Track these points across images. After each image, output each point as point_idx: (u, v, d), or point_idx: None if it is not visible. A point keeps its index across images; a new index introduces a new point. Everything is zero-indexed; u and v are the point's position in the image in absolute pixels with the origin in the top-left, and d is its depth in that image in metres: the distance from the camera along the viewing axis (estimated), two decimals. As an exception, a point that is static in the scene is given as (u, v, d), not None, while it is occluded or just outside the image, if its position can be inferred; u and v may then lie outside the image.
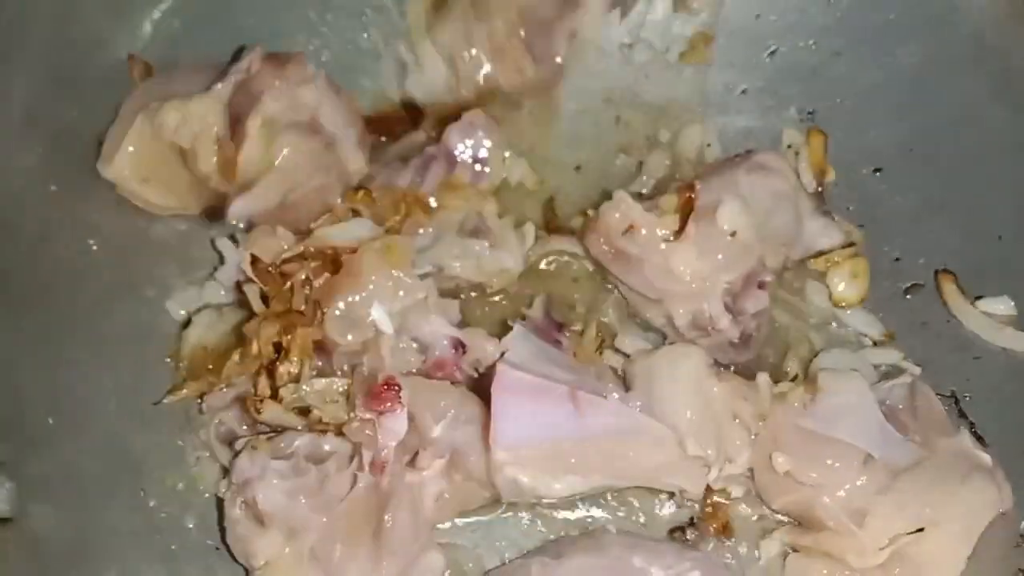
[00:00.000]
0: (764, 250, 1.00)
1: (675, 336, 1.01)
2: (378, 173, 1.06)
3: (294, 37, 1.11)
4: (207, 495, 0.95)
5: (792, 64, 1.17)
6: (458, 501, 0.93)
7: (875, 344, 1.05)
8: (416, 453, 0.90)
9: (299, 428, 0.91)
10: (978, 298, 1.06)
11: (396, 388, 0.88)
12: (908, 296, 1.07)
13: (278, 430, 0.91)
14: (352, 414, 0.89)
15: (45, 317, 0.93)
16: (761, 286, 1.00)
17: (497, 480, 0.91)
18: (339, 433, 0.90)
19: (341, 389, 0.92)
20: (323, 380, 0.92)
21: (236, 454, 0.89)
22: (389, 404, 0.88)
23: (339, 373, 0.93)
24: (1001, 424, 1.01)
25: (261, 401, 0.89)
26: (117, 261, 1.01)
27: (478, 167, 1.07)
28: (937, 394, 1.02)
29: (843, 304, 1.07)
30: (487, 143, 1.06)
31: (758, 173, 1.03)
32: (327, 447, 0.90)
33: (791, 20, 1.17)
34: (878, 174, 1.13)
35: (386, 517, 0.88)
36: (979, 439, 1.00)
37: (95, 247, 0.99)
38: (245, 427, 0.93)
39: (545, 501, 0.95)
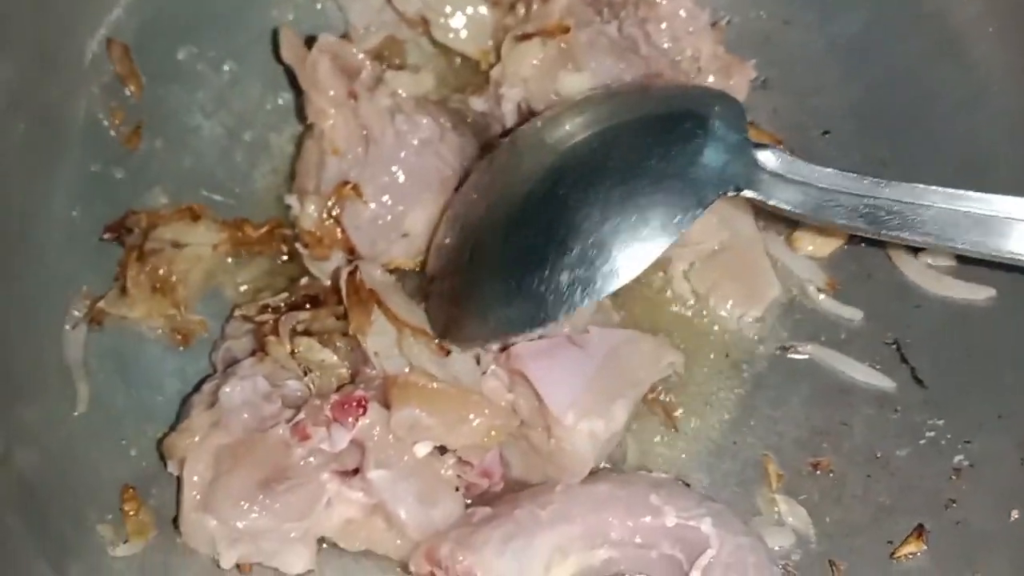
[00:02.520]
0: None
1: None
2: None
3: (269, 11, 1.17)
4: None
5: (745, 34, 1.21)
6: (368, 539, 0.96)
7: (819, 291, 1.10)
8: (356, 470, 0.93)
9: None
10: (920, 250, 1.10)
11: (361, 411, 0.91)
12: (853, 249, 1.12)
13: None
14: (323, 401, 0.93)
15: (31, 278, 0.98)
16: None
17: (576, 442, 0.94)
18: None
19: (344, 371, 0.98)
20: (335, 357, 0.97)
21: (252, 353, 0.97)
22: (344, 419, 0.91)
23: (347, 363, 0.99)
24: (939, 367, 1.06)
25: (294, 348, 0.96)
26: (98, 225, 1.06)
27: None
28: (881, 342, 1.08)
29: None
30: None
31: None
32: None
33: (743, -9, 1.23)
34: (827, 136, 1.18)
35: (284, 484, 0.90)
36: (919, 382, 1.05)
37: (77, 217, 1.06)
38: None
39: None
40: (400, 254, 1.09)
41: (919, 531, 0.97)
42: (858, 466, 1.02)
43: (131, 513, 0.94)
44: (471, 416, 0.93)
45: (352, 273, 1.00)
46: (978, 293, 1.07)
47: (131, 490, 0.96)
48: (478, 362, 0.98)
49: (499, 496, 0.98)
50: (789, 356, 1.08)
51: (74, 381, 0.98)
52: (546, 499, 0.94)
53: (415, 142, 1.08)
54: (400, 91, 1.11)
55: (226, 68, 1.17)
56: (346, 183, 1.07)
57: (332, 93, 1.07)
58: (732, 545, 0.91)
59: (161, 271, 1.06)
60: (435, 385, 0.94)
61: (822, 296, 1.10)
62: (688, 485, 1.01)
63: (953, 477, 1.00)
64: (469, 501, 0.98)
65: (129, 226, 1.07)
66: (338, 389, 0.96)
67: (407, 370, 0.95)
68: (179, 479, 0.92)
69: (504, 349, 0.97)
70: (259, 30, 1.18)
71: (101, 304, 1.03)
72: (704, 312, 1.10)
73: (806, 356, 1.08)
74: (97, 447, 0.97)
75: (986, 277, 1.07)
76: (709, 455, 1.04)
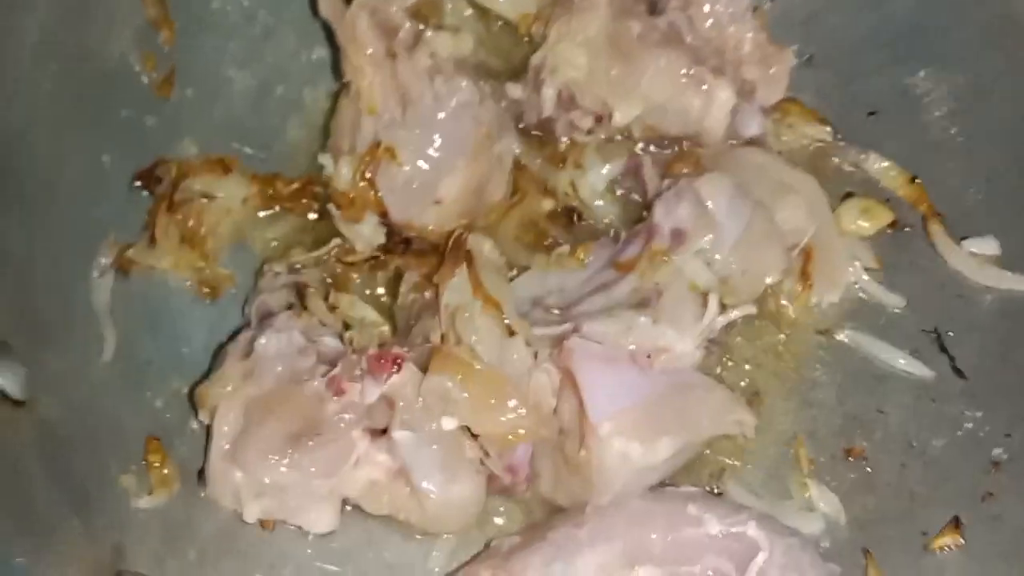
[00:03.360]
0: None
1: None
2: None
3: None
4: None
5: (792, 9, 1.18)
6: (391, 504, 0.94)
7: (867, 271, 1.07)
8: (385, 430, 0.91)
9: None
10: (963, 238, 1.08)
11: (395, 368, 0.89)
12: (896, 235, 1.09)
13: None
14: (360, 356, 0.92)
15: (60, 223, 0.96)
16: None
17: (605, 457, 0.89)
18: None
19: (384, 329, 0.98)
20: (376, 314, 0.97)
21: (289, 306, 0.96)
22: (378, 374, 0.89)
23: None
24: (979, 359, 1.03)
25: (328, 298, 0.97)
26: (130, 172, 1.04)
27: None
28: (921, 330, 1.06)
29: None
30: (690, 211, 1.00)
31: None
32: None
33: (792, -33, 1.19)
34: (872, 117, 1.15)
35: (314, 439, 0.88)
36: (958, 372, 1.03)
37: (107, 163, 1.04)
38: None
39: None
40: (431, 221, 1.07)
41: (955, 523, 0.95)
42: (892, 455, 1.00)
43: (155, 465, 0.93)
44: (501, 406, 0.91)
45: (460, 236, 1.00)
46: (1023, 284, 1.05)
47: (156, 442, 0.94)
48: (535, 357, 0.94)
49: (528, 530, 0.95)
50: (827, 339, 1.06)
51: (101, 329, 0.97)
52: (580, 520, 0.90)
53: (453, 104, 1.05)
54: (439, 52, 1.08)
55: (260, 19, 1.15)
56: (381, 144, 1.05)
57: (370, 51, 1.05)
58: (783, 546, 0.88)
59: (190, 222, 1.05)
60: (478, 365, 0.91)
61: (867, 277, 1.07)
62: (720, 494, 0.99)
63: (992, 470, 0.98)
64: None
65: (159, 175, 1.05)
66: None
67: (463, 341, 0.93)
68: (208, 429, 0.90)
69: (560, 343, 0.93)
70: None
71: (130, 253, 1.01)
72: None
73: (844, 340, 1.06)
74: (122, 397, 0.96)
75: (1033, 267, 1.05)
76: (739, 435, 1.02)
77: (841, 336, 1.06)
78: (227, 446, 0.88)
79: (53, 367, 0.90)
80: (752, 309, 1.02)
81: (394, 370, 0.89)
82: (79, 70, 1.00)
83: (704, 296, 0.97)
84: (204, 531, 0.93)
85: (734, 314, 1.00)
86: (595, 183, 1.09)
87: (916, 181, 1.11)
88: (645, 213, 1.04)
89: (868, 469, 1.00)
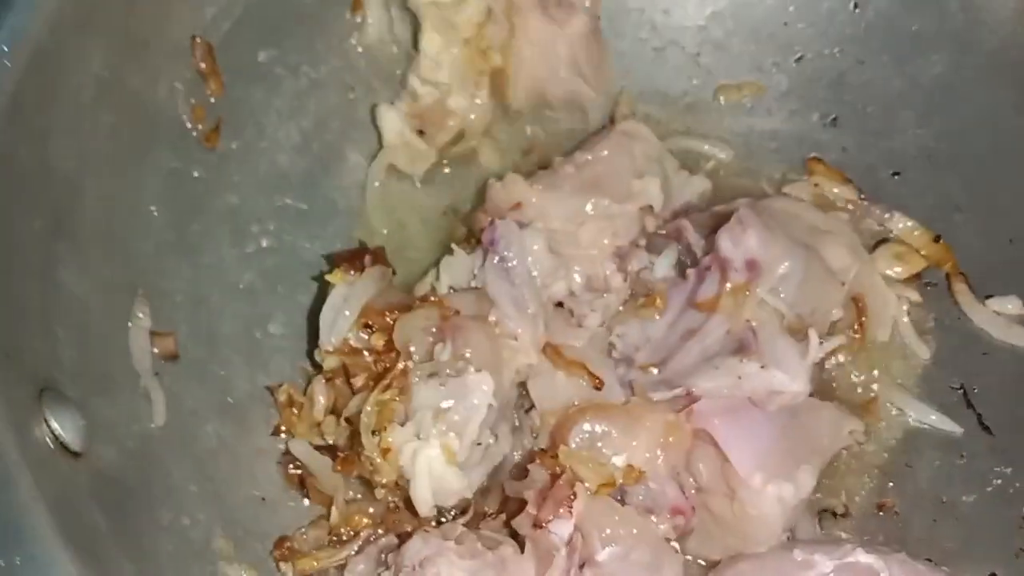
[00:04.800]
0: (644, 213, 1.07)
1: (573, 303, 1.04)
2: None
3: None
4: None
5: (818, 70, 1.23)
6: None
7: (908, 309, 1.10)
8: (583, 565, 0.88)
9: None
10: (988, 297, 1.10)
11: (572, 496, 0.88)
12: (921, 292, 1.12)
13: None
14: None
15: (110, 271, 0.97)
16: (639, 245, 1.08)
17: (763, 506, 0.89)
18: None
19: None
20: None
21: (401, 541, 0.91)
22: (561, 510, 0.87)
23: None
24: (1006, 415, 1.05)
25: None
26: (175, 223, 1.06)
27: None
28: (948, 387, 1.08)
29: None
30: (758, 238, 0.98)
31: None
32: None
33: (819, 29, 1.23)
34: (897, 177, 1.18)
35: None
36: (985, 428, 1.06)
37: (155, 212, 1.05)
38: None
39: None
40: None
41: (992, 578, 0.97)
42: (924, 510, 1.02)
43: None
44: (642, 417, 0.92)
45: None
46: (1047, 343, 1.08)
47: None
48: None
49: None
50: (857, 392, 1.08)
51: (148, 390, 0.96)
52: None
53: None
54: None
55: (304, 73, 1.18)
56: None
57: None
58: (897, 561, 0.88)
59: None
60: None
61: (907, 320, 1.09)
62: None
63: (1023, 526, 1.00)
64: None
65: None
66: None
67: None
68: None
69: (683, 408, 0.94)
70: (339, 35, 1.18)
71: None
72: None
73: (873, 394, 1.08)
74: (173, 450, 0.96)
75: (1057, 327, 1.08)
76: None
77: (870, 389, 1.08)
78: None
79: (107, 416, 0.90)
80: (843, 339, 1.04)
81: (572, 497, 0.87)
82: (131, 122, 1.02)
83: (796, 330, 0.96)
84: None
85: (828, 345, 1.00)
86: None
87: (940, 240, 1.14)
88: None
89: (900, 524, 1.02)
